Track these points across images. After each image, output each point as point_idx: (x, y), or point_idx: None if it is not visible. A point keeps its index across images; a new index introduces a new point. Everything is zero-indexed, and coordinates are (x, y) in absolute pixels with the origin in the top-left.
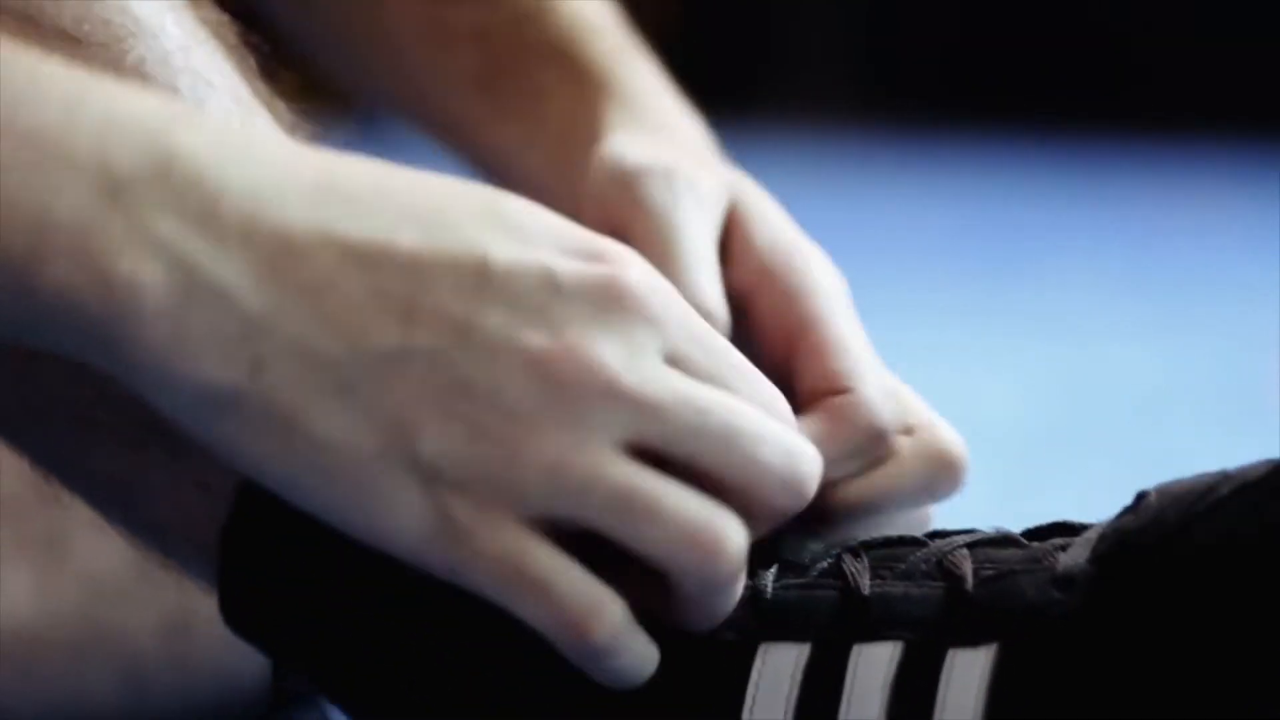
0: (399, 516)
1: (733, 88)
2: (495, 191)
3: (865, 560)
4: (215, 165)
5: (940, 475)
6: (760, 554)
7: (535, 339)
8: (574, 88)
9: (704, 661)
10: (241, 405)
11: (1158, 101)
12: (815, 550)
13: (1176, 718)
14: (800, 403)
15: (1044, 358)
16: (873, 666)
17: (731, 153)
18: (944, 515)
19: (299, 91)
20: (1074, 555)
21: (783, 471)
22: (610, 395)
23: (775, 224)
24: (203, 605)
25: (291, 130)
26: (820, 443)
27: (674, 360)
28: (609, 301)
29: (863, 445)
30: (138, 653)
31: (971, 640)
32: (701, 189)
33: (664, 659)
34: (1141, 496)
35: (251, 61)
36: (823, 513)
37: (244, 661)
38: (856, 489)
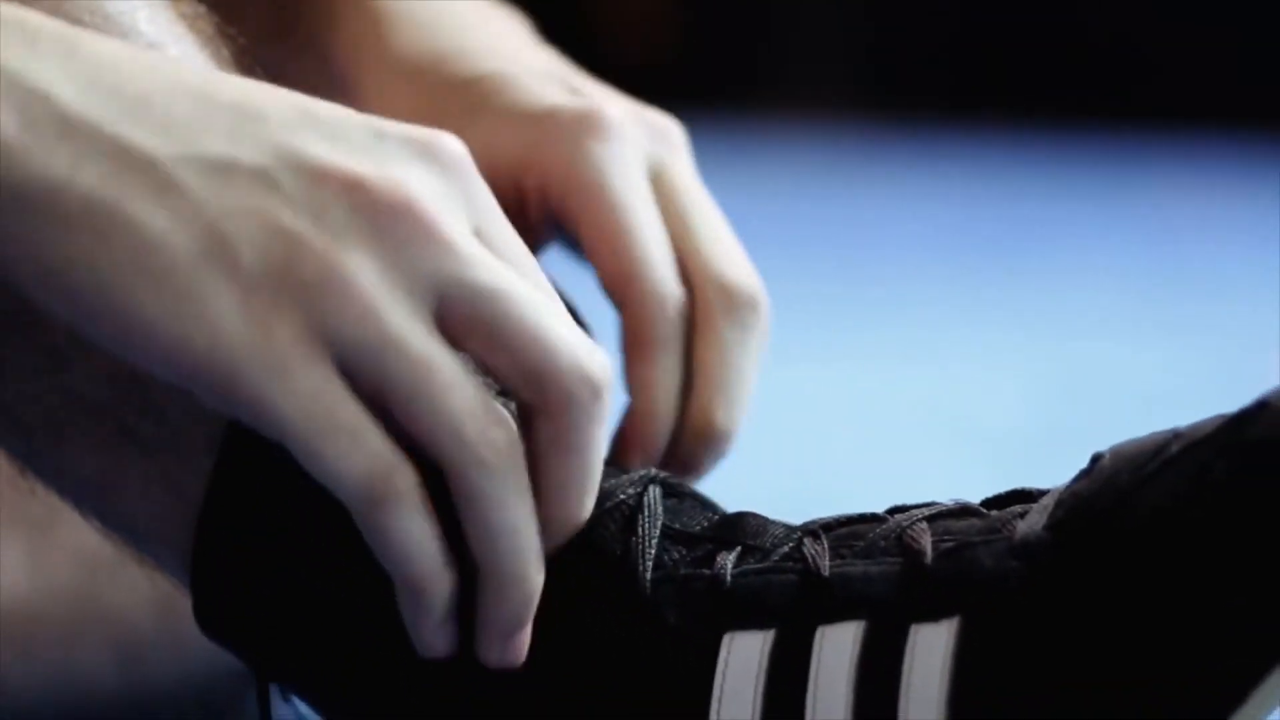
0: (217, 326)
1: (733, 85)
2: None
3: (825, 542)
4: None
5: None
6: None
7: (360, 166)
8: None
9: (669, 654)
10: (58, 201)
11: (1159, 99)
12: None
13: (1135, 678)
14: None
15: (1044, 356)
16: (837, 648)
17: (732, 149)
18: None
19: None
20: (1031, 523)
21: (581, 369)
22: (429, 234)
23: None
24: None
25: None
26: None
27: (476, 231)
28: (430, 152)
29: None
30: (132, 628)
31: (933, 615)
32: (629, 137)
33: (629, 653)
34: (1096, 459)
35: (225, 53)
36: None
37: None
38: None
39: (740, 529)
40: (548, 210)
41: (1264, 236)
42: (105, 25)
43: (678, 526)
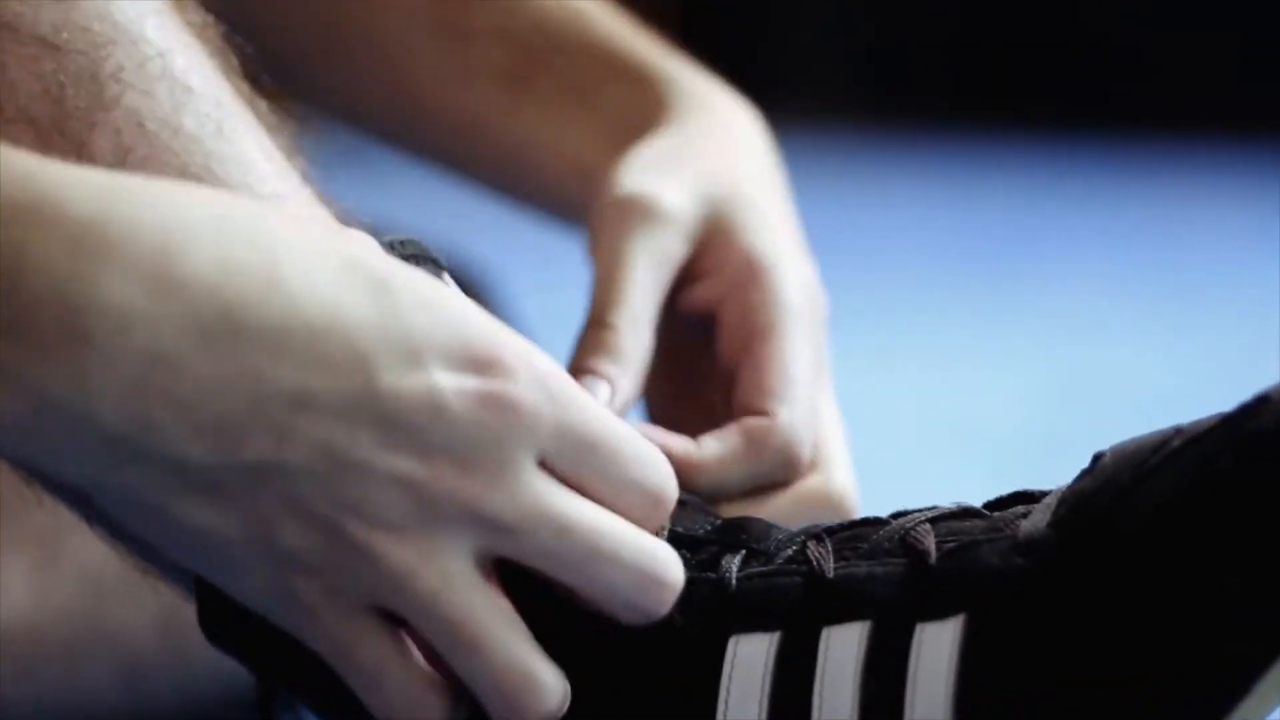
0: (251, 586)
1: (732, 88)
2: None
3: (828, 544)
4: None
5: (814, 517)
6: None
7: (406, 464)
8: (628, 79)
9: (675, 656)
10: (104, 490)
11: (1159, 104)
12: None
13: (1140, 673)
14: (732, 413)
15: (1046, 360)
16: (843, 648)
17: None
18: None
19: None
20: (1034, 521)
21: (633, 589)
22: (470, 517)
23: (760, 234)
24: None
25: (274, 130)
26: (723, 460)
27: (546, 458)
28: (489, 420)
29: (763, 470)
30: (135, 648)
31: (938, 613)
32: (664, 218)
33: (633, 657)
34: (1098, 458)
35: (234, 62)
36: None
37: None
38: (732, 510)
39: (744, 532)
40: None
41: (1264, 241)
42: (114, 32)
43: (681, 530)
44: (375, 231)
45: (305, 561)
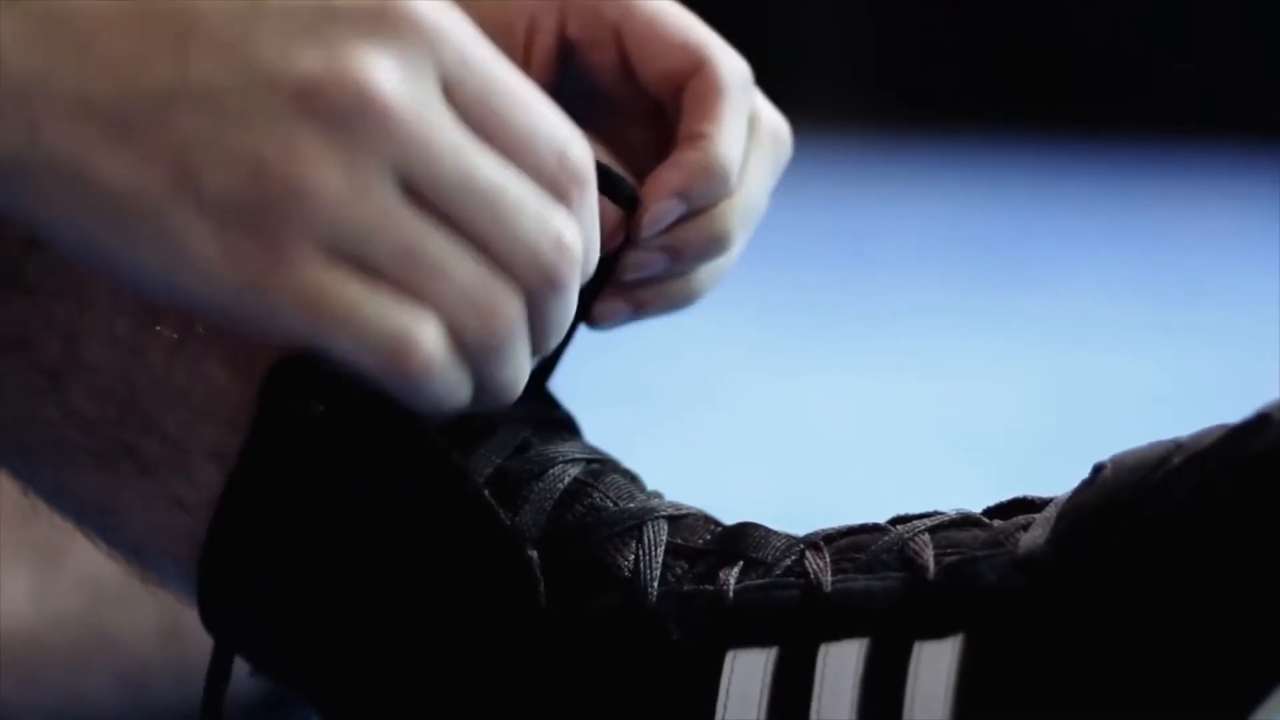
0: (195, 261)
1: None
2: None
3: (826, 555)
4: None
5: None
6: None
7: (308, 62)
8: None
9: (672, 671)
10: (25, 168)
11: (1159, 108)
12: None
13: (1139, 695)
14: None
15: (1044, 365)
16: (841, 666)
17: None
18: None
19: None
20: (1033, 537)
21: (538, 247)
22: (383, 126)
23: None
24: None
25: None
26: (660, 185)
27: (449, 88)
28: (383, 23)
29: (699, 193)
30: (136, 656)
31: (937, 632)
32: None
33: (630, 669)
34: (1098, 469)
35: None
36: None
37: (241, 663)
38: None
39: (742, 541)
40: (563, 41)
41: (1265, 246)
42: None
43: (680, 541)
44: None
45: (238, 213)
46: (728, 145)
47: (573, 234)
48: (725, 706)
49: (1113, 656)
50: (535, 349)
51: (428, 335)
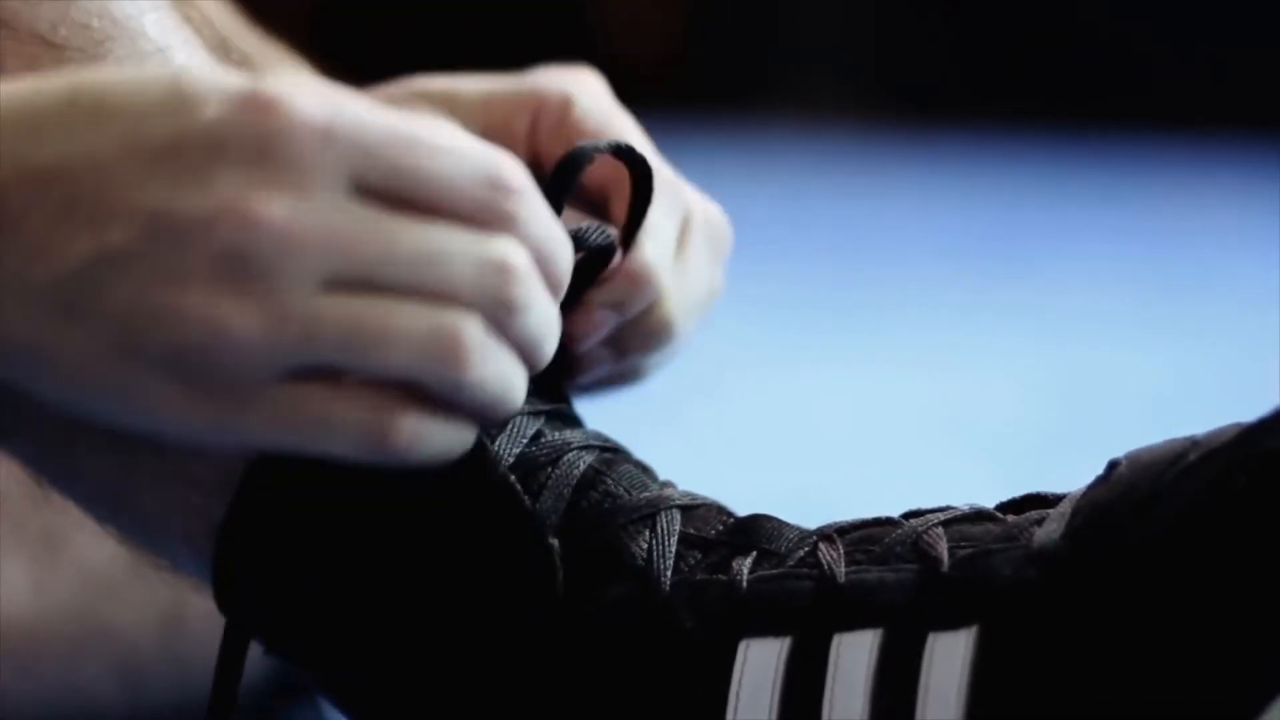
0: (163, 413)
1: (735, 87)
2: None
3: (840, 547)
4: None
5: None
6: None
7: (201, 208)
8: None
9: (684, 660)
10: None
11: (1160, 103)
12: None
13: (1153, 689)
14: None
15: (1045, 360)
16: (854, 656)
17: (733, 152)
18: None
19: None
20: (1048, 531)
21: (480, 280)
22: (286, 249)
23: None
24: (198, 599)
25: None
26: (589, 302)
27: (355, 176)
28: (268, 148)
29: (630, 301)
30: (134, 647)
31: (951, 623)
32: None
33: (643, 658)
34: (1113, 466)
35: (234, 56)
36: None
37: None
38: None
39: (756, 533)
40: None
41: (1265, 240)
42: (113, 29)
43: (693, 531)
44: None
45: (186, 362)
46: (653, 251)
47: (516, 254)
48: (738, 696)
49: (1126, 650)
50: (529, 363)
51: (403, 412)
